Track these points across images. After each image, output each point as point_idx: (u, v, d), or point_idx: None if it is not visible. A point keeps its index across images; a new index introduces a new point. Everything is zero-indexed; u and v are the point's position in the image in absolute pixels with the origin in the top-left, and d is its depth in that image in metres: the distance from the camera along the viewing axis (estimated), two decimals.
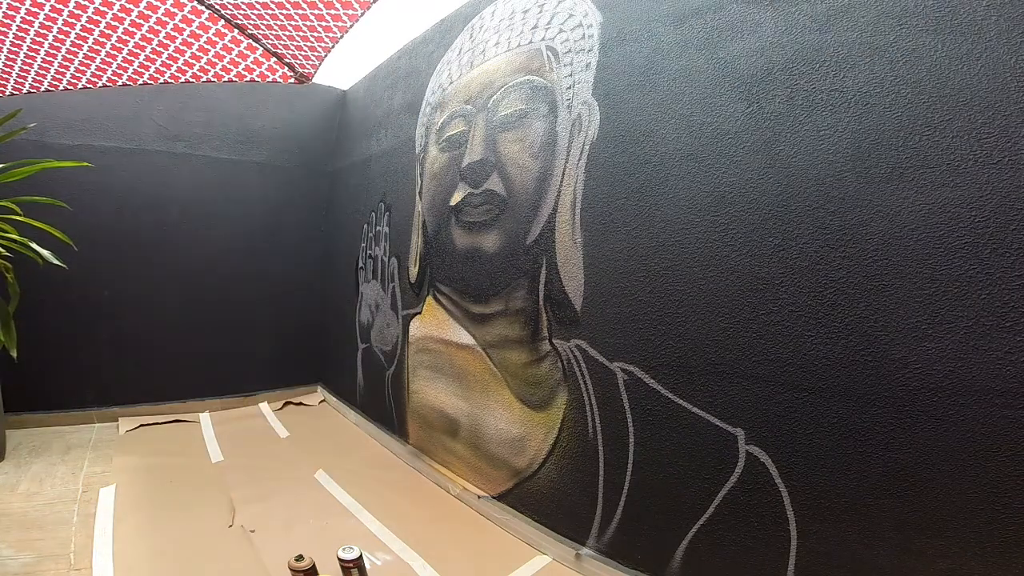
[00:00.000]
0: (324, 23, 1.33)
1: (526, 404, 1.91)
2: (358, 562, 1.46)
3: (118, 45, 1.42)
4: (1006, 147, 0.95)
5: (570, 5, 1.82)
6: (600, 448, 1.63)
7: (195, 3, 1.30)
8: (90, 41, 1.39)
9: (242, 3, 1.29)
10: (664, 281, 1.47)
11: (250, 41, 1.44)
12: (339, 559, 1.45)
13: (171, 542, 1.74)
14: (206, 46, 1.45)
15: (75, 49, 1.42)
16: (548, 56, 1.87)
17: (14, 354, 2.06)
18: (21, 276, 2.24)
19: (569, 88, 1.78)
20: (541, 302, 1.83)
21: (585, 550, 1.66)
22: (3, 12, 1.27)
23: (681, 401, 1.42)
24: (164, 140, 3.12)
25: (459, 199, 2.21)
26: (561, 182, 1.77)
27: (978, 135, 0.98)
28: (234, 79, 1.57)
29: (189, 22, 1.37)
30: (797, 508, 1.20)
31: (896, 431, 1.06)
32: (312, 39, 1.39)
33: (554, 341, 1.78)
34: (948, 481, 1.00)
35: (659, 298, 1.48)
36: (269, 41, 1.43)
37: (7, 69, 1.49)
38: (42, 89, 1.59)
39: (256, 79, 1.57)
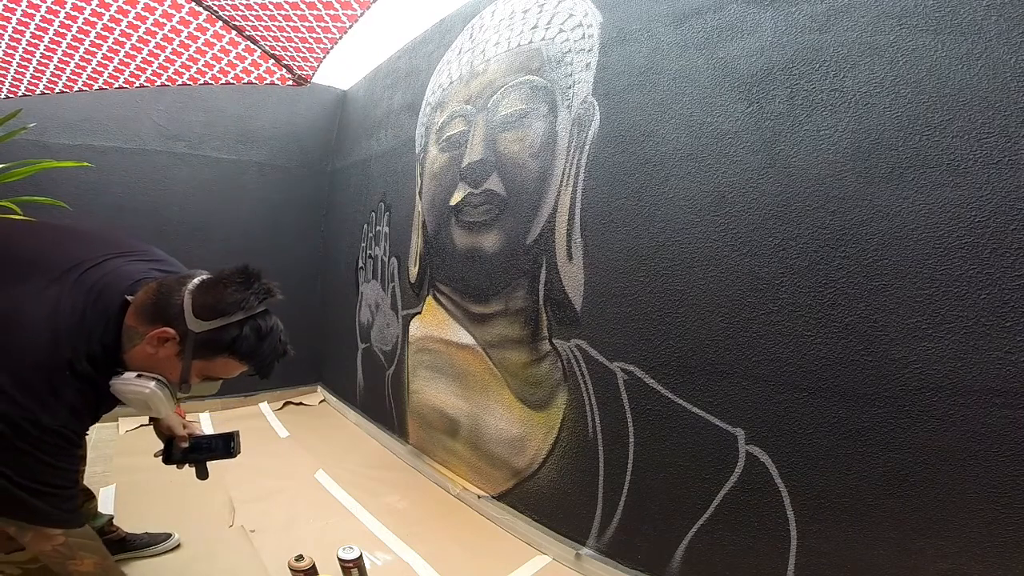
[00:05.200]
0: (323, 24, 1.33)
1: (526, 404, 1.90)
2: (358, 562, 1.46)
3: (115, 47, 1.42)
4: (1006, 147, 0.95)
5: (570, 5, 1.82)
6: (600, 448, 1.63)
7: (192, 4, 1.30)
8: (86, 43, 1.39)
9: (240, 4, 1.29)
10: (664, 281, 1.46)
11: (248, 43, 1.43)
12: (339, 559, 1.45)
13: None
14: (204, 48, 1.44)
15: (71, 51, 1.41)
16: (548, 56, 1.86)
17: None
18: None
19: (569, 88, 1.77)
20: (541, 302, 1.83)
21: (585, 550, 1.66)
22: None
23: (681, 401, 1.42)
24: (164, 140, 3.11)
25: (459, 199, 2.21)
26: (561, 182, 1.76)
27: (978, 135, 0.97)
28: (232, 81, 1.57)
29: (187, 23, 1.37)
30: (797, 508, 1.20)
31: (896, 431, 1.06)
32: (311, 40, 1.39)
33: (554, 341, 1.78)
34: (948, 481, 1.00)
35: (659, 298, 1.47)
36: (267, 43, 1.43)
37: (2, 71, 1.48)
38: (37, 92, 1.58)
39: (254, 81, 1.56)
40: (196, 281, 1.02)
